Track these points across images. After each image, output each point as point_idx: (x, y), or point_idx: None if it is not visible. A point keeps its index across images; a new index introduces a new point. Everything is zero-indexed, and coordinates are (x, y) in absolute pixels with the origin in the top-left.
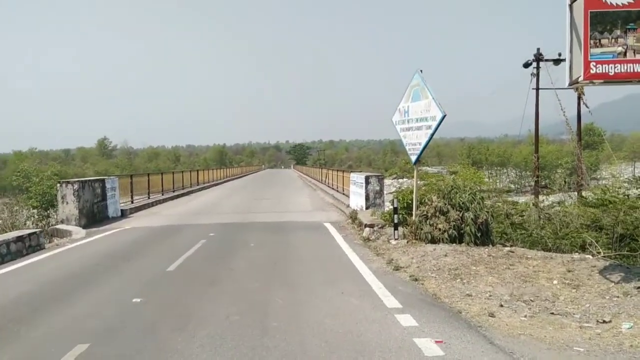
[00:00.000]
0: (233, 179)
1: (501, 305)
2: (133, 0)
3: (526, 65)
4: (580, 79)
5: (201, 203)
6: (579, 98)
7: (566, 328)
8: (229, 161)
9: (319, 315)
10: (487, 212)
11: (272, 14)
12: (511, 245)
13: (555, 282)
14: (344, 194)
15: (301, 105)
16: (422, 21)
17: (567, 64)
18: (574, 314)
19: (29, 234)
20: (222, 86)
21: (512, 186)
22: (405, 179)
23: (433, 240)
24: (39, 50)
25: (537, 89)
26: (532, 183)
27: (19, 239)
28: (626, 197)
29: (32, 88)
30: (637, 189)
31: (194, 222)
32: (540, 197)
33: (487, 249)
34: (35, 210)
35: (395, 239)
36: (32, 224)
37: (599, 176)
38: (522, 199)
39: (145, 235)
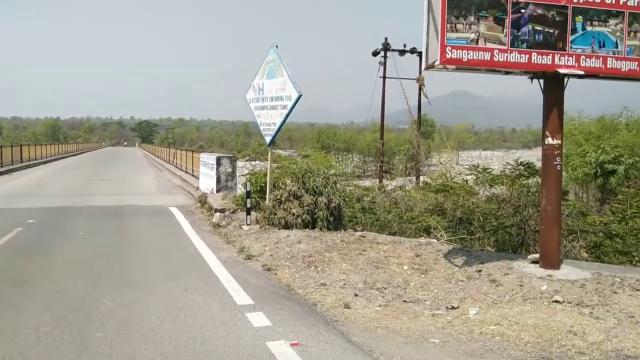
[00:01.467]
0: (67, 157)
1: (356, 295)
2: None
3: (375, 53)
4: (437, 63)
5: (24, 183)
6: (420, 89)
7: (419, 317)
8: (64, 137)
9: (156, 320)
10: (340, 196)
11: None
12: (362, 230)
13: (405, 267)
14: (193, 175)
15: (149, 80)
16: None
17: (423, 47)
18: (424, 300)
19: None
20: (59, 53)
21: (357, 170)
22: (258, 162)
23: (287, 226)
24: None
25: (384, 77)
26: (374, 168)
27: None
28: (465, 182)
29: None
30: (475, 176)
31: (12, 205)
32: (384, 182)
33: (339, 234)
34: None
35: (248, 225)
36: None
37: (430, 163)
38: (366, 183)
39: None
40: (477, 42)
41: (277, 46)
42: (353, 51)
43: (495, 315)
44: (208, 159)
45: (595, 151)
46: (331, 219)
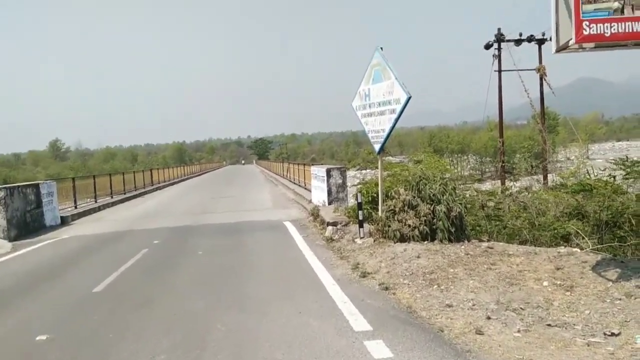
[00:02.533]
0: (192, 177)
1: (488, 318)
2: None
3: (487, 46)
4: (572, 42)
5: (152, 205)
6: (541, 79)
7: (571, 346)
8: (189, 159)
9: (269, 349)
10: (461, 203)
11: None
12: (488, 240)
13: (545, 283)
14: (306, 188)
15: (263, 99)
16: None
17: (552, 27)
18: (574, 324)
19: None
20: (181, 83)
21: (473, 172)
22: (368, 170)
23: (402, 238)
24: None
25: (500, 70)
26: (493, 169)
27: None
28: (612, 178)
29: None
30: (624, 170)
31: (141, 227)
32: (507, 183)
33: (463, 246)
34: None
35: (361, 238)
36: None
37: (556, 159)
38: (485, 186)
39: (82, 246)
40: (622, 11)
41: (382, 48)
42: (461, 47)
43: None
44: (318, 171)
45: None
46: (452, 230)
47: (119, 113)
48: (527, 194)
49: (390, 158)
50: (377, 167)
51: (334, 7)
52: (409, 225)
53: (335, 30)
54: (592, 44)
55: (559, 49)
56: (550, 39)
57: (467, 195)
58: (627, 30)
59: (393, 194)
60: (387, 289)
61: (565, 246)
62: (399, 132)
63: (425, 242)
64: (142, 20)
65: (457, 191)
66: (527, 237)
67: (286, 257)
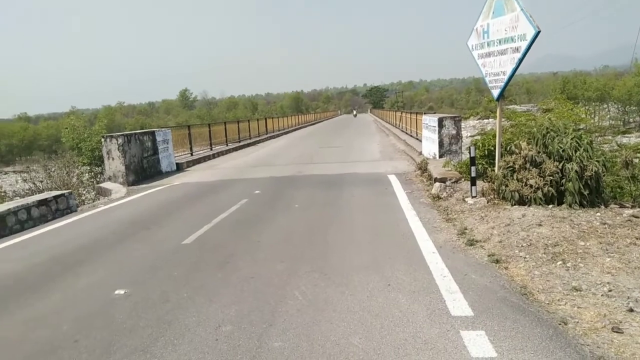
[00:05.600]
0: (305, 127)
1: (631, 310)
2: None
3: None
4: None
5: (263, 154)
6: None
7: None
8: (305, 108)
9: (345, 331)
10: (598, 161)
11: None
12: (632, 207)
13: None
14: (417, 139)
15: (380, 45)
16: None
17: None
18: None
19: (56, 197)
20: (299, 33)
21: (614, 123)
22: (490, 119)
23: (522, 201)
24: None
25: None
26: (638, 119)
27: (42, 202)
28: None
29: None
30: None
31: (247, 176)
32: None
33: (598, 213)
34: (87, 167)
35: (473, 198)
36: (86, 181)
37: None
38: (631, 139)
39: (188, 193)
40: None
41: None
42: None
43: None
44: (430, 121)
45: None
46: (585, 192)
47: (239, 62)
48: None
49: (516, 107)
50: (507, 116)
51: None
52: (531, 186)
53: None
54: None
55: None
56: None
57: (607, 151)
58: None
59: (513, 148)
60: (497, 261)
61: None
62: (527, 79)
63: (550, 206)
64: None
65: (593, 146)
66: None
67: (384, 215)
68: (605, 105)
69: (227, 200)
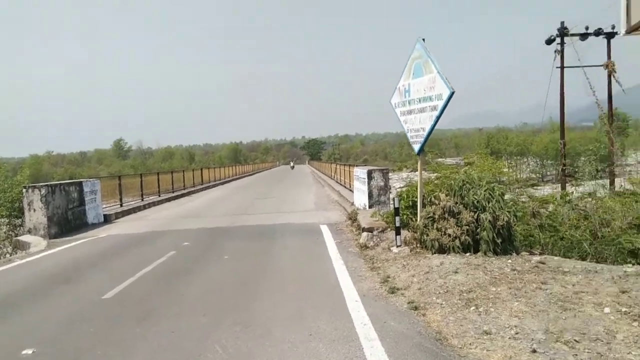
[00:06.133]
0: (243, 177)
1: (534, 351)
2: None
3: (549, 41)
4: None
5: (197, 204)
6: (610, 76)
7: None
8: (244, 158)
9: None
10: (509, 211)
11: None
12: (540, 253)
13: (606, 309)
14: (350, 190)
15: (318, 101)
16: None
17: (622, 6)
18: None
19: None
20: (242, 84)
21: (534, 176)
22: (423, 172)
23: (442, 249)
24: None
25: (562, 67)
26: (555, 172)
27: None
28: None
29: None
30: None
31: (178, 227)
32: (568, 188)
33: (510, 260)
34: (5, 220)
35: (397, 247)
36: (4, 234)
37: (626, 163)
38: (546, 190)
39: (114, 245)
40: None
41: (423, 39)
42: (522, 44)
43: None
44: (360, 173)
45: None
46: (498, 241)
47: (180, 114)
48: (590, 200)
49: (445, 160)
50: (429, 169)
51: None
52: (449, 235)
53: (384, 28)
54: None
55: (630, 30)
56: (614, 30)
57: (520, 202)
58: None
59: (433, 199)
60: (416, 308)
61: (633, 264)
62: (456, 134)
63: (467, 254)
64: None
65: (505, 197)
66: (587, 251)
67: (312, 265)
68: (525, 159)
69: (154, 253)
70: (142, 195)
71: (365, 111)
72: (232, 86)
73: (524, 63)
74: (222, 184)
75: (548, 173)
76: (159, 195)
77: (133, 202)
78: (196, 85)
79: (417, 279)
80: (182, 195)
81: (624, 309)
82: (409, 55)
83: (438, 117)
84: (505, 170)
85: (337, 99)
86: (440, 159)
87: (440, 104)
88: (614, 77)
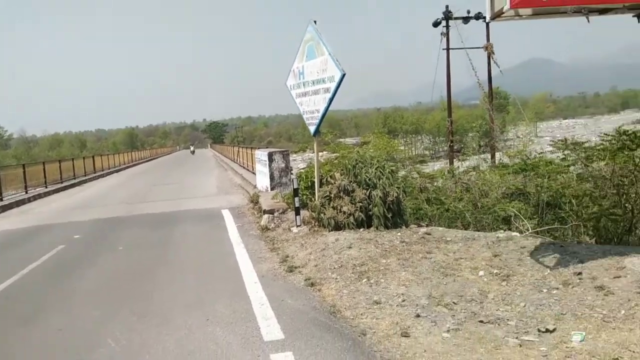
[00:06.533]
0: (140, 163)
1: (418, 316)
2: None
3: (435, 24)
4: (506, 7)
5: (89, 194)
6: (489, 58)
7: (502, 348)
8: (140, 144)
9: None
10: (399, 187)
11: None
12: (427, 225)
13: (481, 272)
14: (253, 173)
15: (219, 82)
16: None
17: None
18: (508, 320)
19: None
20: (133, 66)
21: (427, 152)
22: (325, 152)
23: (338, 227)
24: None
25: (448, 49)
26: (446, 148)
27: None
28: (553, 160)
29: None
30: (562, 153)
31: (67, 219)
32: (456, 163)
33: (399, 233)
34: None
35: (298, 226)
36: None
37: (506, 138)
38: (437, 165)
39: None
40: None
41: (315, 22)
42: (414, 26)
43: (610, 342)
44: (261, 155)
45: None
46: (389, 215)
47: (67, 98)
48: (473, 173)
49: (346, 139)
50: (329, 149)
51: None
52: (344, 212)
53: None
54: (529, 10)
55: (494, 16)
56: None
57: (411, 178)
58: None
59: (329, 178)
60: (312, 285)
61: (505, 230)
62: (356, 114)
63: (361, 229)
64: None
65: (395, 174)
66: (469, 221)
67: (212, 250)
68: (419, 137)
69: (40, 248)
70: (25, 187)
71: (267, 93)
72: (129, 70)
73: (419, 44)
74: (117, 171)
75: (440, 149)
76: (46, 187)
77: (17, 195)
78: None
79: (314, 257)
80: (73, 186)
81: (495, 271)
82: (302, 38)
83: (331, 99)
84: (401, 148)
85: (237, 80)
86: (341, 139)
87: (333, 85)
88: (492, 59)
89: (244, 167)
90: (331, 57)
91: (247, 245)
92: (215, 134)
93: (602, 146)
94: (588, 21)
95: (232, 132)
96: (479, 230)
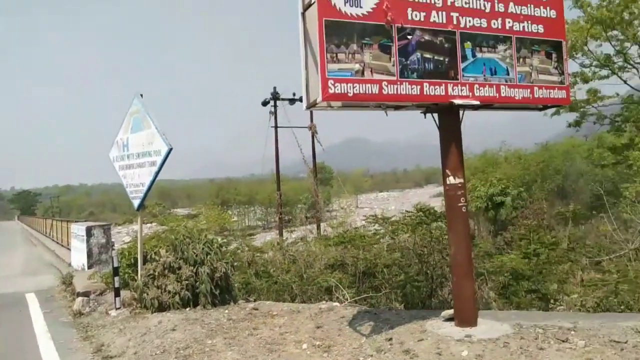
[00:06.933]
0: None
1: None
2: None
3: (264, 103)
4: (319, 100)
5: None
6: (313, 136)
7: None
8: None
9: None
10: (227, 262)
11: None
12: (255, 300)
13: (304, 345)
14: (68, 249)
15: (31, 147)
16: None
17: (303, 83)
18: None
19: None
20: None
21: (260, 223)
22: (152, 224)
23: (162, 307)
24: None
25: (276, 127)
26: (278, 219)
27: None
28: (364, 230)
29: None
30: (376, 223)
31: None
32: (285, 234)
33: (227, 310)
34: None
35: (117, 309)
36: None
37: (331, 209)
38: (268, 236)
39: None
40: (362, 73)
41: (142, 95)
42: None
43: None
44: (78, 230)
45: (484, 185)
46: (217, 292)
47: None
48: (301, 243)
49: (178, 210)
50: (157, 221)
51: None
52: (169, 291)
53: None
54: (339, 103)
55: (309, 106)
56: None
57: (241, 251)
58: (367, 92)
59: (154, 255)
60: None
61: (327, 300)
62: (189, 184)
63: (187, 309)
64: None
65: (224, 249)
66: (296, 292)
67: (9, 345)
68: (252, 208)
69: None
70: None
71: (90, 161)
72: None
73: (253, 118)
74: None
75: (272, 220)
76: None
77: None
78: None
79: (134, 343)
80: None
81: (317, 343)
82: (127, 110)
83: (157, 173)
84: (235, 219)
85: (53, 146)
86: (171, 210)
87: (159, 159)
88: (316, 138)
89: (57, 243)
90: (158, 131)
91: (54, 335)
92: (26, 204)
93: (405, 220)
94: (386, 115)
95: (47, 202)
96: (305, 302)
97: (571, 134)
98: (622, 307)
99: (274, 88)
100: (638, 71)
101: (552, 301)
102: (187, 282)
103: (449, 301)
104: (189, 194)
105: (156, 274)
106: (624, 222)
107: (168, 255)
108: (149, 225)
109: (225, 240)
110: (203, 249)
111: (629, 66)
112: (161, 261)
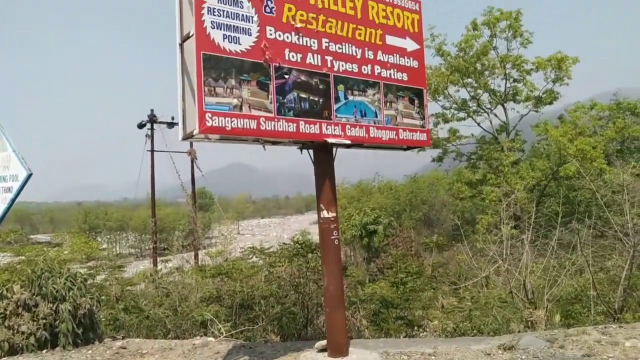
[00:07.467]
0: None
1: None
2: None
3: (140, 126)
4: (196, 132)
5: None
6: (192, 162)
7: None
8: None
9: None
10: (92, 297)
11: None
12: (124, 337)
13: None
14: None
15: None
16: None
17: (179, 114)
18: None
19: None
20: None
21: (132, 251)
22: (7, 254)
23: (13, 350)
24: None
25: (152, 150)
26: (152, 248)
27: None
28: (242, 262)
29: None
30: (254, 255)
31: None
32: (160, 265)
33: (90, 351)
34: None
35: None
36: None
37: (212, 235)
38: (142, 265)
39: None
40: (241, 108)
41: None
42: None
43: None
44: None
45: (358, 214)
46: (79, 331)
47: None
48: (176, 274)
49: (40, 236)
50: (13, 252)
51: None
52: (23, 332)
53: None
54: (217, 136)
55: (186, 137)
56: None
57: (109, 284)
58: (245, 127)
59: (5, 292)
60: None
61: (202, 335)
62: (52, 207)
63: (44, 351)
64: None
65: (88, 282)
66: (169, 328)
67: None
68: (125, 234)
69: None
70: None
71: None
72: None
73: (131, 138)
74: None
75: (146, 247)
76: None
77: None
78: None
79: None
80: None
81: None
82: None
83: (13, 200)
84: (104, 247)
85: None
86: (32, 236)
87: (17, 185)
88: (195, 163)
89: None
90: (16, 155)
91: None
92: None
93: (282, 253)
94: (264, 149)
95: None
96: (178, 337)
97: (435, 167)
98: (474, 331)
99: (151, 110)
100: (489, 115)
101: (416, 327)
102: (44, 320)
103: (323, 331)
104: (52, 218)
105: (7, 313)
106: (480, 250)
107: (23, 292)
108: (1, 255)
109: (92, 271)
110: (65, 283)
111: (481, 110)
112: (14, 298)
